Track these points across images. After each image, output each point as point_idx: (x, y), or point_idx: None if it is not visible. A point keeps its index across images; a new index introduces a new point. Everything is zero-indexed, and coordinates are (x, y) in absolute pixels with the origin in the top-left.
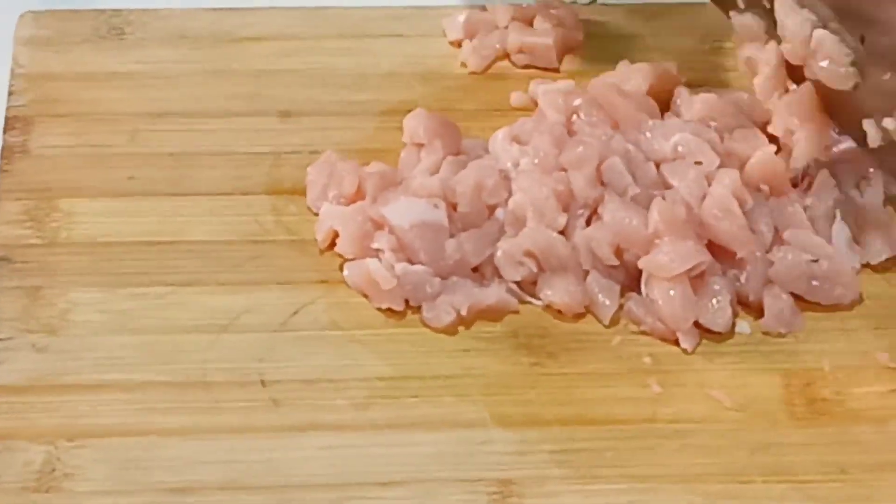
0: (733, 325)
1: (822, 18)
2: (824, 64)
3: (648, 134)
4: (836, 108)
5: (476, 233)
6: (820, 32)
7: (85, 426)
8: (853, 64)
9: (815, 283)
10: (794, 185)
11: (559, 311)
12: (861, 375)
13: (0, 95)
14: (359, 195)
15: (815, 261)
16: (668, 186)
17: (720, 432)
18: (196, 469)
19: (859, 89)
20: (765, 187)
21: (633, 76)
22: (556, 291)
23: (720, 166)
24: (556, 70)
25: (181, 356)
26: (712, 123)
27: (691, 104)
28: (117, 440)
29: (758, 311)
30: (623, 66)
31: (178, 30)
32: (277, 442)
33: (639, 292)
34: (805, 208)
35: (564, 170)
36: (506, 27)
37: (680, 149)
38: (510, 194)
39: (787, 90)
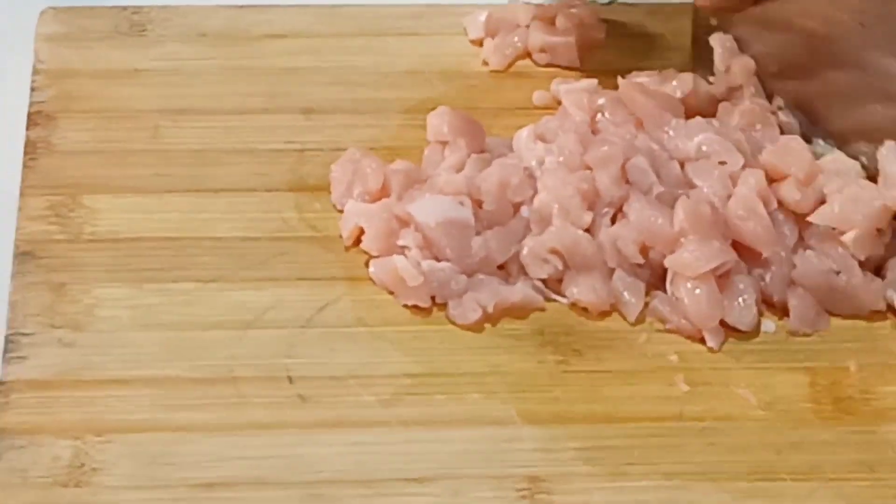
0: (758, 323)
1: None
2: None
3: (672, 133)
4: None
5: (501, 230)
6: None
7: (112, 421)
8: None
9: (834, 293)
10: None
11: (585, 309)
12: (887, 375)
13: (22, 91)
14: (383, 192)
15: (838, 272)
16: (691, 186)
17: (747, 430)
18: (223, 465)
19: None
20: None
21: (671, 80)
22: (582, 289)
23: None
24: (578, 69)
25: (207, 352)
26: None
27: (732, 113)
28: (144, 435)
29: (783, 311)
30: (669, 72)
31: (199, 27)
32: (304, 438)
33: (664, 291)
34: None
35: (589, 168)
36: (527, 26)
37: (704, 148)
38: (535, 192)
39: None
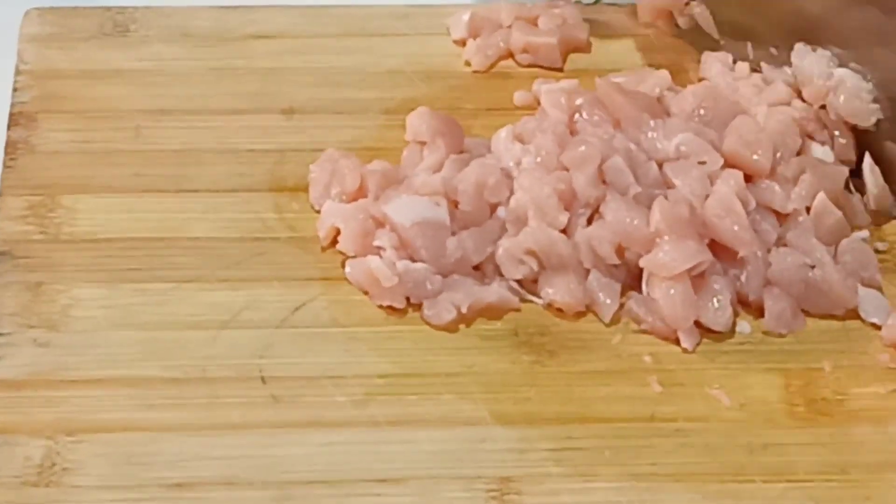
0: (734, 324)
1: (840, 59)
2: (843, 100)
3: (651, 133)
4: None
5: (477, 231)
6: (840, 70)
7: (85, 421)
8: (875, 101)
9: (810, 290)
10: None
11: (560, 310)
12: (861, 376)
13: (5, 92)
14: (361, 193)
15: (812, 267)
16: (669, 186)
17: (720, 431)
18: (195, 465)
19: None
20: None
21: (648, 79)
22: (557, 290)
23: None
24: (560, 69)
25: (182, 352)
26: (703, 114)
27: (683, 98)
28: (117, 435)
29: (758, 311)
30: (645, 70)
31: (182, 27)
32: (277, 438)
33: (640, 291)
34: None
35: (566, 169)
36: (510, 26)
37: (682, 148)
38: (512, 193)
39: None
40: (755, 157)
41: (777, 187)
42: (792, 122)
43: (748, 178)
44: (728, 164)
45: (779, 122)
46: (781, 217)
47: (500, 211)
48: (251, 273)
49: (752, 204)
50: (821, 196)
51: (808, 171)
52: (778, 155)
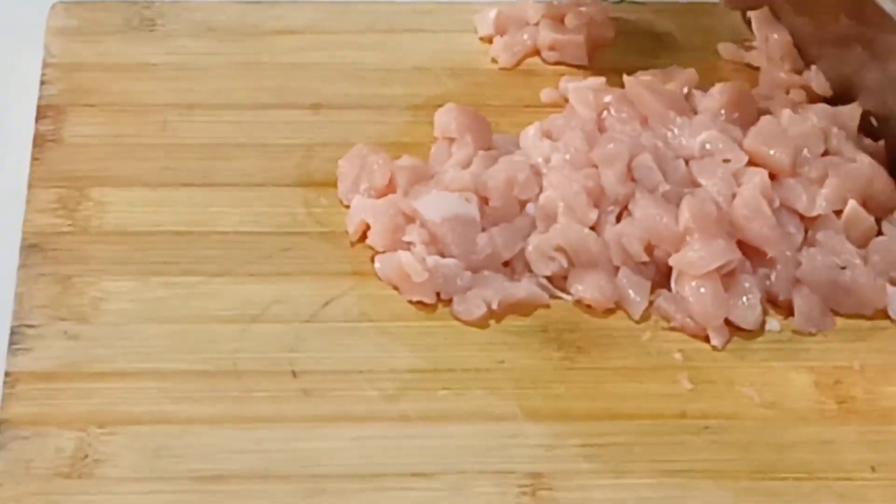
0: (763, 322)
1: None
2: None
3: (676, 131)
4: None
5: (507, 227)
6: None
7: (116, 413)
8: None
9: (839, 290)
10: None
11: (589, 307)
12: (891, 375)
13: (32, 85)
14: (390, 188)
15: (843, 268)
16: (696, 184)
17: (750, 429)
18: (226, 458)
19: None
20: None
21: (676, 77)
22: (587, 286)
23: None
24: (586, 67)
25: (212, 346)
26: (729, 113)
27: (710, 97)
28: (148, 428)
29: (788, 310)
30: (673, 68)
31: (209, 22)
32: (307, 432)
33: (669, 289)
34: None
35: (595, 166)
36: (537, 24)
37: (707, 146)
38: (541, 190)
39: None
40: (775, 153)
41: (800, 187)
42: (816, 124)
43: (772, 177)
44: (750, 162)
45: (802, 124)
46: (807, 218)
47: (530, 207)
48: (280, 267)
49: (777, 202)
50: (852, 203)
51: (831, 173)
52: (803, 154)
